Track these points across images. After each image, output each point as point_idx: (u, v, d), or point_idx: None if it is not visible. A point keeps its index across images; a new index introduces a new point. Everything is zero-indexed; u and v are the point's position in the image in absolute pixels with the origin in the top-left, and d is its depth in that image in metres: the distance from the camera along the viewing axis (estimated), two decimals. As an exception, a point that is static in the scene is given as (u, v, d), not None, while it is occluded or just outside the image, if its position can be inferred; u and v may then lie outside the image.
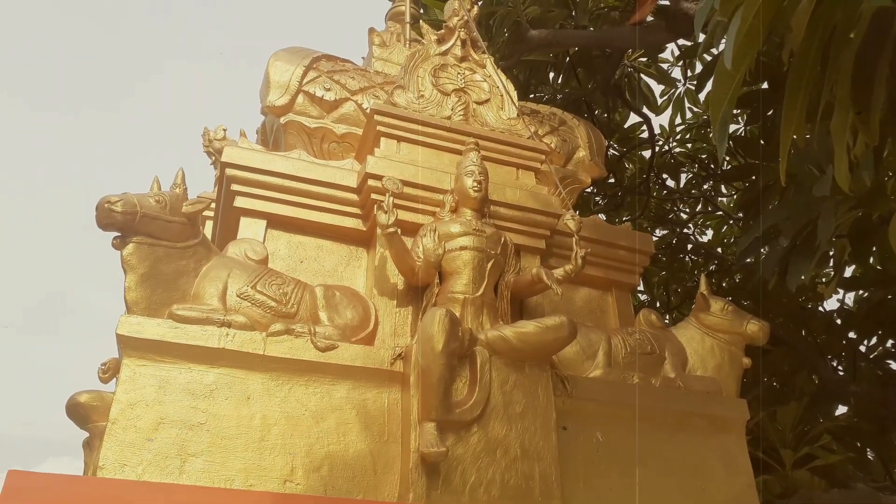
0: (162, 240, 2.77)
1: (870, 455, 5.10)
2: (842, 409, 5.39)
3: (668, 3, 4.87)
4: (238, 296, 2.81)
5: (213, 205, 3.76)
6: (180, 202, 2.84)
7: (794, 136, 2.45)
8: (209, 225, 4.02)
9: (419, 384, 2.66)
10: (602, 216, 6.96)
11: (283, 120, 3.92)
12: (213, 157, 4.66)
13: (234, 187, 3.29)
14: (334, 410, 2.72)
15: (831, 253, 4.54)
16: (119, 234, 2.72)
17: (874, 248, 4.25)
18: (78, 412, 3.18)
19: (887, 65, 2.24)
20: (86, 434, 3.26)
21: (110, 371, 3.05)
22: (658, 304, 7.25)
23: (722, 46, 2.29)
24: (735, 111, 5.77)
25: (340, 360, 2.78)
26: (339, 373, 2.78)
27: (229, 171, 3.28)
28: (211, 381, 2.62)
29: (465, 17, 4.02)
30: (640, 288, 7.24)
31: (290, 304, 2.88)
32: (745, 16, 2.12)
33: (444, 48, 4.03)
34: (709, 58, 6.06)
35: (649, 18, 5.17)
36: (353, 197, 3.41)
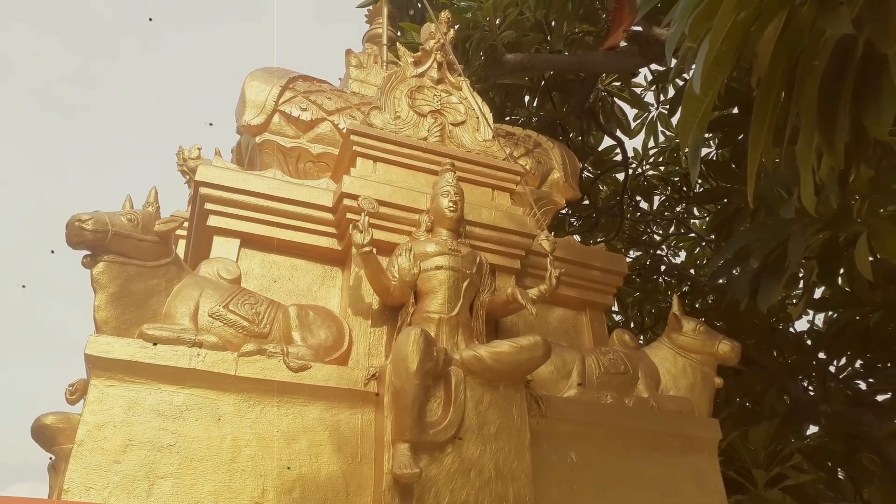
0: (133, 258, 2.74)
1: (840, 475, 5.15)
2: (813, 429, 5.46)
3: (640, 28, 4.97)
4: (210, 315, 2.78)
5: (185, 224, 3.72)
6: (153, 221, 2.81)
7: (762, 160, 2.51)
8: (182, 244, 3.98)
9: (393, 405, 2.65)
10: (577, 237, 7.02)
11: (258, 139, 3.92)
12: (188, 176, 4.63)
13: (208, 206, 3.27)
14: (307, 431, 2.70)
15: (801, 274, 4.63)
16: (89, 253, 2.69)
17: (842, 270, 4.34)
18: (44, 434, 3.11)
19: (850, 91, 2.31)
20: (51, 457, 3.18)
21: (78, 392, 3.00)
22: (632, 325, 7.30)
23: (692, 72, 2.34)
24: (707, 135, 5.89)
25: (313, 380, 2.76)
26: (312, 393, 2.75)
27: (203, 190, 3.26)
28: (181, 402, 2.59)
29: (442, 41, 4.07)
30: (615, 308, 7.29)
31: (262, 324, 2.86)
32: (713, 42, 2.17)
33: (420, 70, 4.06)
34: (681, 82, 6.18)
35: (623, 44, 5.27)
36: (329, 216, 3.40)
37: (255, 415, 2.66)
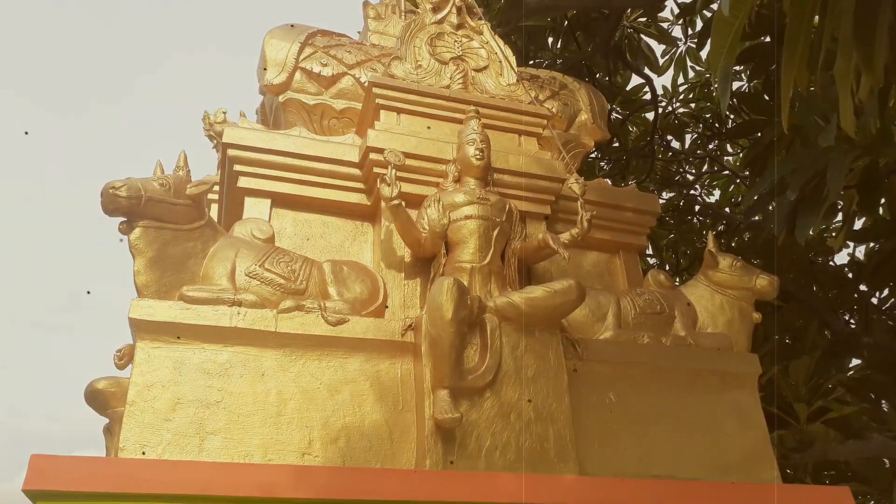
0: (168, 223, 2.78)
1: (884, 406, 5.10)
2: (855, 362, 5.39)
3: (665, -41, 4.80)
4: (247, 275, 2.83)
5: (217, 188, 3.76)
6: (184, 184, 2.84)
7: (796, 87, 2.43)
8: (214, 208, 4.03)
9: (430, 353, 2.68)
10: (607, 180, 6.93)
11: (281, 98, 3.91)
12: (215, 141, 4.64)
13: (237, 168, 3.29)
14: (348, 383, 2.75)
15: (840, 205, 4.51)
16: (125, 219, 2.73)
17: (883, 199, 4.22)
18: (97, 399, 3.23)
19: (890, 5, 2.20)
20: (106, 421, 3.31)
21: (125, 357, 3.10)
22: (667, 267, 7.24)
23: (720, -2, 2.26)
24: (738, 67, 5.70)
25: (352, 333, 2.80)
26: (352, 346, 2.80)
27: (231, 152, 3.28)
28: (225, 360, 2.65)
29: (460, -16, 3.97)
30: (649, 251, 7.23)
31: (298, 281, 2.89)
32: (742, -37, 2.09)
33: (439, 16, 3.99)
34: (708, 14, 5.97)
35: (647, -24, 5.09)
36: (356, 172, 3.40)
37: (297, 369, 2.72)
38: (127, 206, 2.67)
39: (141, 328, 2.62)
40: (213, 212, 3.93)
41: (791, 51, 2.34)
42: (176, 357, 2.61)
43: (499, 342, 2.78)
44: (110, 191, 2.63)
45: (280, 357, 2.72)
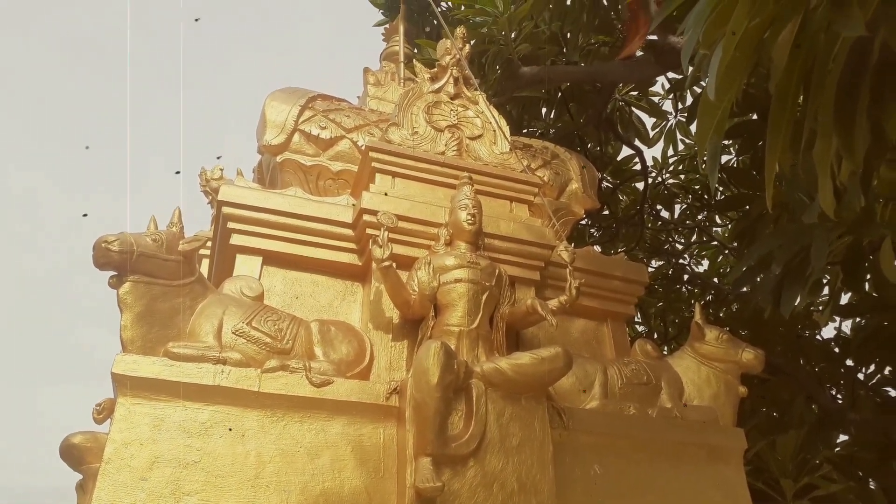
0: (158, 278, 2.79)
1: (871, 484, 5.04)
2: (842, 438, 5.35)
3: (656, 37, 4.98)
4: (233, 332, 2.82)
5: (209, 243, 3.78)
6: (176, 241, 2.86)
7: (781, 165, 2.49)
8: (206, 263, 4.04)
9: (415, 418, 2.66)
10: (597, 248, 6.99)
11: (279, 158, 3.98)
12: (210, 196, 4.70)
13: (231, 225, 3.32)
14: (329, 447, 2.71)
15: (826, 280, 4.56)
16: (115, 273, 2.74)
17: (868, 275, 4.27)
18: (72, 454, 3.16)
19: (868, 93, 2.29)
20: (80, 477, 3.24)
21: (105, 411, 3.04)
22: (655, 336, 7.24)
23: (707, 79, 2.34)
24: (726, 142, 5.85)
25: (336, 395, 2.78)
26: (335, 408, 2.77)
27: (226, 210, 3.31)
28: (206, 419, 2.62)
29: (458, 56, 4.11)
30: (637, 319, 7.24)
31: (285, 340, 2.89)
32: (726, 48, 2.17)
33: (437, 86, 4.10)
34: (698, 90, 6.16)
35: (639, 53, 5.27)
36: (349, 232, 3.44)
37: (278, 431, 2.68)
38: (118, 261, 2.68)
39: (123, 383, 2.59)
40: (205, 267, 3.95)
41: (775, 131, 2.42)
42: (156, 414, 2.58)
43: (484, 409, 2.76)
44: (102, 245, 2.65)
45: (261, 418, 2.68)
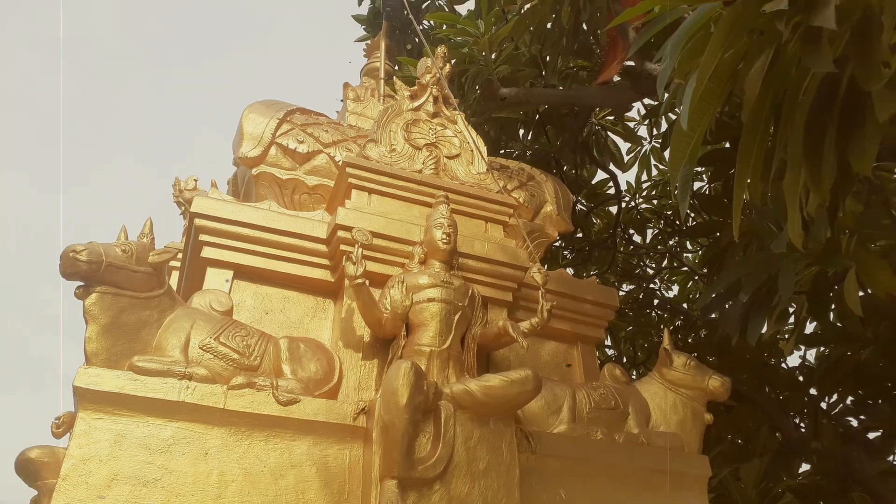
0: (126, 290, 2.73)
1: (832, 513, 5.11)
2: (805, 467, 5.41)
3: (633, 64, 5.05)
4: (201, 348, 2.77)
5: (180, 255, 3.73)
6: (147, 252, 2.81)
7: (748, 195, 2.54)
8: (175, 275, 3.98)
9: (381, 440, 2.63)
10: (570, 270, 7.04)
11: (254, 171, 3.95)
12: (183, 208, 4.64)
13: (203, 237, 3.27)
14: (294, 467, 2.67)
15: (792, 309, 4.63)
16: (82, 284, 2.68)
17: (832, 306, 4.35)
18: (28, 469, 3.08)
19: (835, 127, 2.35)
20: (34, 493, 3.14)
21: (64, 425, 2.97)
22: (625, 359, 7.29)
23: (681, 108, 2.38)
24: (699, 169, 5.95)
25: (302, 414, 2.74)
26: (301, 428, 2.73)
27: (198, 222, 3.27)
28: (168, 436, 2.56)
29: (438, 75, 4.13)
30: (607, 342, 7.28)
31: (253, 357, 2.85)
32: (700, 79, 2.21)
33: (416, 104, 4.12)
34: (673, 117, 6.27)
35: (616, 78, 5.34)
36: (323, 248, 3.41)
37: (242, 449, 2.64)
38: (86, 271, 2.62)
39: (85, 397, 2.53)
40: (174, 279, 3.89)
41: (745, 162, 2.46)
42: (118, 430, 2.52)
43: (452, 431, 2.74)
44: (70, 254, 2.59)
45: (226, 436, 2.64)
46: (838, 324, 4.81)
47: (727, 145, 5.21)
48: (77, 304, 2.71)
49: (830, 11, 1.78)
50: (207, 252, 3.28)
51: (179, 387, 2.61)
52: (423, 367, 2.84)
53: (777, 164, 2.50)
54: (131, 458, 2.48)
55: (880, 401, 5.03)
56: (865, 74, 2.00)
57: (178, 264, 3.86)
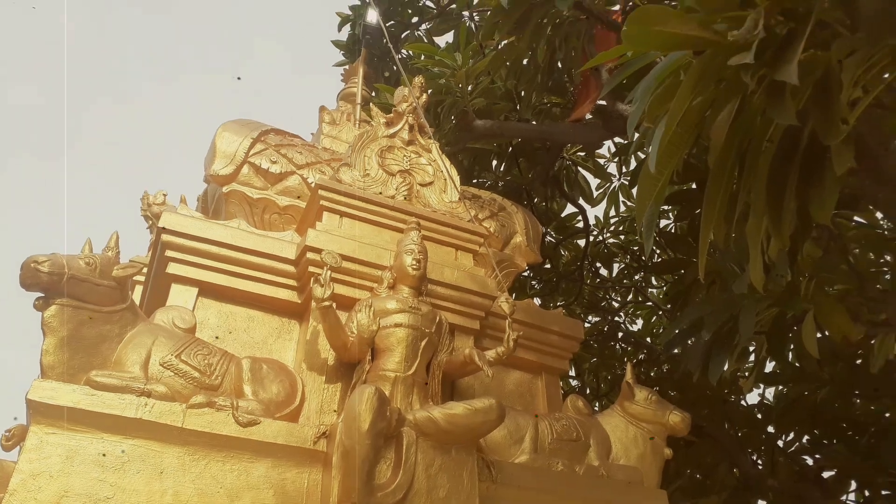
0: (88, 303, 2.69)
1: (787, 551, 5.17)
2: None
3: (605, 103, 5.17)
4: (161, 364, 2.73)
5: (145, 269, 3.68)
6: (111, 265, 2.78)
7: (714, 236, 2.61)
8: (139, 290, 3.93)
9: (341, 465, 2.61)
10: (538, 300, 7.10)
11: (225, 189, 3.93)
12: (150, 222, 4.59)
13: (169, 253, 3.24)
14: (251, 489, 2.63)
15: (752, 348, 4.73)
16: (42, 295, 2.63)
17: (791, 346, 4.45)
18: (-27, 482, 2.97)
19: (797, 176, 2.43)
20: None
21: (14, 438, 2.90)
22: (588, 391, 7.34)
23: (649, 151, 2.45)
24: (666, 207, 6.08)
25: (262, 436, 2.70)
26: (260, 450, 2.70)
27: (165, 237, 3.24)
28: (123, 453, 2.51)
29: (414, 104, 4.18)
30: (571, 373, 7.33)
31: (214, 376, 2.81)
32: (668, 124, 2.28)
33: (392, 131, 4.16)
34: (642, 155, 6.41)
35: (588, 116, 5.46)
36: (291, 269, 3.40)
37: (199, 469, 2.59)
38: (47, 283, 2.58)
39: (39, 411, 2.47)
40: (137, 293, 3.84)
41: (710, 205, 2.53)
42: (71, 445, 2.46)
43: (413, 458, 2.73)
44: (32, 265, 2.55)
45: (183, 455, 2.59)
46: (796, 364, 4.92)
47: (694, 186, 5.34)
48: (35, 316, 2.66)
49: (793, 68, 1.85)
50: (173, 268, 3.24)
51: (137, 403, 2.57)
52: (387, 393, 2.83)
53: (741, 207, 2.58)
54: (83, 475, 2.42)
55: (835, 441, 5.14)
56: (825, 130, 2.09)
57: (142, 279, 3.81)
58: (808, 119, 2.28)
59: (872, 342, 3.92)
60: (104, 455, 2.47)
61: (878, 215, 4.23)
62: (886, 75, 2.17)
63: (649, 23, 2.05)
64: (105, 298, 2.73)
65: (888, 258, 4.44)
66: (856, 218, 4.27)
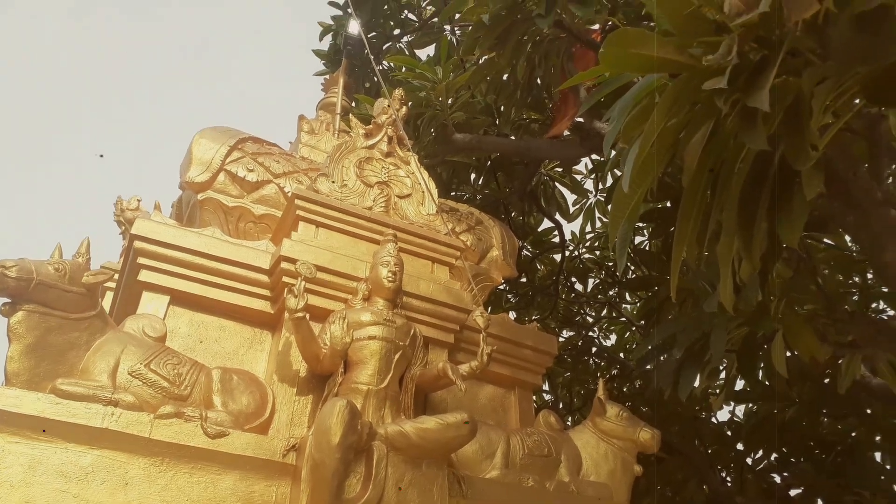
0: (56, 309, 2.64)
1: (754, 568, 5.21)
2: (729, 520, 5.53)
3: (583, 120, 5.23)
4: (129, 373, 2.69)
5: (116, 276, 3.63)
6: (81, 272, 2.73)
7: (686, 256, 2.64)
8: (109, 296, 3.86)
9: (310, 478, 2.58)
10: (513, 314, 7.12)
11: (200, 196, 3.89)
12: (123, 227, 4.53)
13: (141, 260, 3.20)
14: (218, 502, 2.59)
15: (722, 366, 4.79)
16: (9, 301, 2.58)
17: (761, 365, 4.51)
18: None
19: (768, 199, 2.48)
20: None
21: (-25, 447, 2.82)
22: (561, 405, 7.36)
23: (623, 171, 2.48)
24: (640, 224, 6.14)
25: (230, 448, 2.67)
26: (228, 462, 2.66)
27: (137, 244, 3.20)
28: (88, 464, 2.46)
29: (394, 116, 4.18)
30: (545, 388, 7.35)
31: (183, 386, 2.77)
32: (643, 144, 2.31)
33: (371, 142, 4.15)
34: (619, 173, 6.48)
35: (566, 133, 5.52)
36: (264, 279, 3.37)
37: (165, 481, 2.55)
38: (14, 288, 2.53)
39: (1, 419, 2.41)
40: (107, 300, 3.77)
41: (683, 226, 2.57)
42: (33, 455, 2.41)
43: (384, 473, 2.71)
44: (-1, 269, 2.50)
45: (149, 466, 2.55)
46: (766, 382, 4.98)
47: (668, 204, 5.41)
48: (1, 321, 2.61)
49: (765, 94, 1.89)
50: (145, 275, 3.20)
51: (104, 413, 2.52)
52: (358, 406, 2.82)
53: (714, 225, 2.62)
54: (45, 486, 2.37)
55: (802, 459, 5.21)
56: (795, 155, 2.13)
57: (113, 285, 3.75)
58: (779, 143, 2.33)
59: (840, 362, 3.99)
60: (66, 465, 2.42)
61: (847, 238, 4.32)
62: (856, 102, 2.22)
63: (627, 45, 2.08)
64: (74, 305, 2.68)
65: (856, 280, 4.54)
66: (825, 240, 4.35)
